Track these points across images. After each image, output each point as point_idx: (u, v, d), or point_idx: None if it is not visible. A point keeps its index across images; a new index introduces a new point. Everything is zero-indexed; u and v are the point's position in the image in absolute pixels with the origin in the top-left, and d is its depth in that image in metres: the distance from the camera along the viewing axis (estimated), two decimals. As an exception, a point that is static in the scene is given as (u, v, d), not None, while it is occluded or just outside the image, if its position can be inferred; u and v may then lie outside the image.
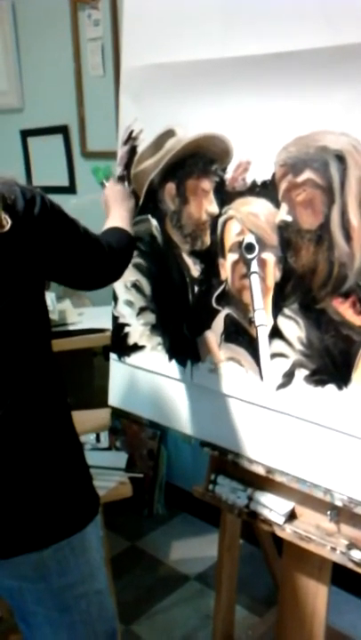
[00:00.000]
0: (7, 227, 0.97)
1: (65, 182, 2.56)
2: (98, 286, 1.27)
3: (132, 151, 1.48)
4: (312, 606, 1.36)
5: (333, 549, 1.22)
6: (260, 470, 1.32)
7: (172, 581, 2.12)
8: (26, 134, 2.67)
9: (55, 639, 1.13)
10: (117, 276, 1.31)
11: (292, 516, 1.31)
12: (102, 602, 1.17)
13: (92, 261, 1.19)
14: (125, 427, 2.51)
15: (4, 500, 1.03)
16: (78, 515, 1.10)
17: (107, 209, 1.43)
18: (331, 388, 1.17)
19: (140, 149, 1.47)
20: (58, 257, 1.10)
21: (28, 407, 1.04)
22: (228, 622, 1.63)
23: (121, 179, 1.52)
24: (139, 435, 2.48)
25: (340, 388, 1.16)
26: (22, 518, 1.04)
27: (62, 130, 2.50)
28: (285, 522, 1.30)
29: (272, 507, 1.32)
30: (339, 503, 1.19)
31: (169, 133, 1.38)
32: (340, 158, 1.09)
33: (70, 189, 2.55)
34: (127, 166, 1.50)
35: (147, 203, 1.46)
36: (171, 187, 1.40)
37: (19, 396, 1.02)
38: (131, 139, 1.48)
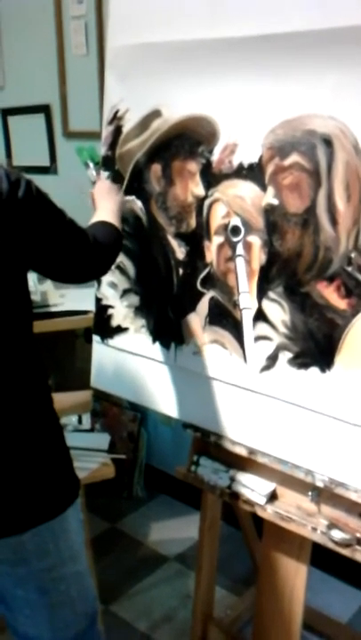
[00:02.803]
0: None
1: (46, 162, 2.53)
2: (81, 279, 1.23)
3: (118, 131, 1.47)
4: (291, 586, 1.39)
5: (314, 529, 1.24)
6: (243, 452, 1.33)
7: (152, 562, 2.14)
8: (6, 113, 2.63)
9: (35, 621, 1.14)
10: (102, 270, 1.29)
11: (273, 497, 1.33)
12: (82, 583, 1.18)
13: (76, 252, 1.15)
14: (105, 409, 2.51)
15: None
16: (58, 498, 1.10)
17: (94, 203, 1.41)
18: (314, 370, 1.18)
19: (125, 129, 1.45)
20: (40, 244, 1.07)
21: (6, 389, 1.03)
22: (208, 602, 1.65)
23: (106, 159, 1.51)
24: (119, 417, 2.48)
25: (323, 370, 1.17)
26: (1, 502, 1.04)
27: (44, 109, 2.47)
28: (267, 502, 1.32)
29: (254, 487, 1.34)
30: (320, 484, 1.21)
31: (155, 114, 1.37)
32: (328, 142, 1.10)
33: (51, 169, 2.52)
34: (112, 146, 1.49)
35: (132, 183, 1.45)
36: (156, 168, 1.39)
37: None
38: (116, 118, 1.47)
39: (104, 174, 1.51)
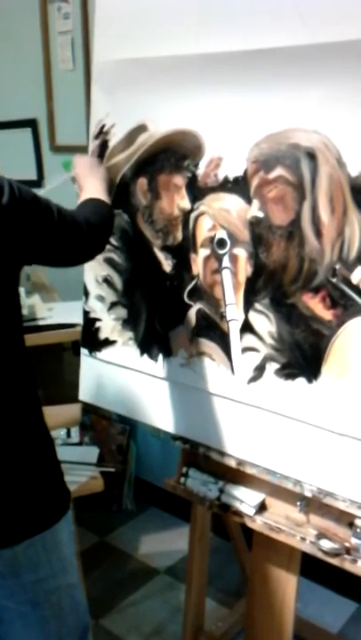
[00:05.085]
0: None
1: (33, 176, 2.54)
2: (82, 261, 1.29)
3: (104, 145, 1.48)
4: (281, 596, 1.39)
5: (303, 539, 1.24)
6: (232, 463, 1.34)
7: (142, 575, 2.13)
8: (-7, 127, 2.64)
9: (27, 634, 1.13)
10: (101, 247, 1.29)
11: (262, 508, 1.33)
12: (74, 596, 1.17)
13: (71, 242, 1.17)
14: (94, 422, 2.51)
15: None
16: (50, 510, 1.10)
17: (79, 183, 1.40)
18: (301, 381, 1.19)
19: (111, 144, 1.46)
20: (34, 244, 1.08)
21: None
22: (199, 614, 1.65)
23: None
24: (107, 430, 2.48)
25: (309, 381, 1.18)
26: None
27: (31, 123, 2.48)
28: (256, 513, 1.32)
29: (243, 499, 1.34)
30: (308, 494, 1.21)
31: (141, 128, 1.39)
32: (311, 156, 1.11)
33: (38, 184, 2.53)
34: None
35: (118, 197, 1.46)
36: (142, 182, 1.40)
37: None
38: (102, 133, 1.48)
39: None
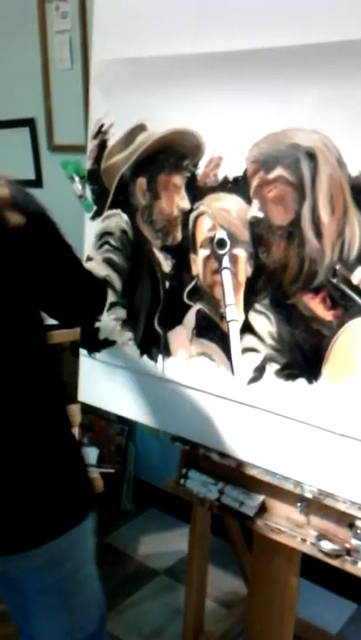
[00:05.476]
0: (22, 222, 0.97)
1: (31, 176, 2.53)
2: (86, 318, 1.35)
3: (103, 145, 1.48)
4: (282, 597, 1.38)
5: (303, 540, 1.24)
6: (232, 464, 1.33)
7: (141, 576, 2.13)
8: (-9, 127, 2.63)
9: (54, 625, 1.15)
10: (102, 308, 1.33)
11: (262, 509, 1.33)
12: (95, 585, 1.21)
13: (85, 287, 1.21)
14: (93, 423, 2.50)
15: (18, 496, 1.03)
16: (85, 501, 1.12)
17: None
18: (301, 382, 1.19)
19: (110, 143, 1.46)
20: (52, 279, 1.10)
21: (28, 404, 1.05)
22: (199, 615, 1.64)
23: (91, 173, 1.51)
24: (106, 431, 2.47)
25: (310, 382, 1.18)
26: (38, 510, 1.05)
27: (29, 123, 2.47)
28: (256, 514, 1.32)
29: (243, 500, 1.34)
30: (309, 495, 1.21)
31: (140, 128, 1.38)
32: (311, 156, 1.11)
33: (37, 183, 2.52)
34: (97, 160, 1.50)
35: (117, 197, 1.46)
36: (142, 181, 1.39)
37: (20, 395, 1.04)
38: (101, 132, 1.47)
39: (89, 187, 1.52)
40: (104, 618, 1.24)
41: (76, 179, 1.55)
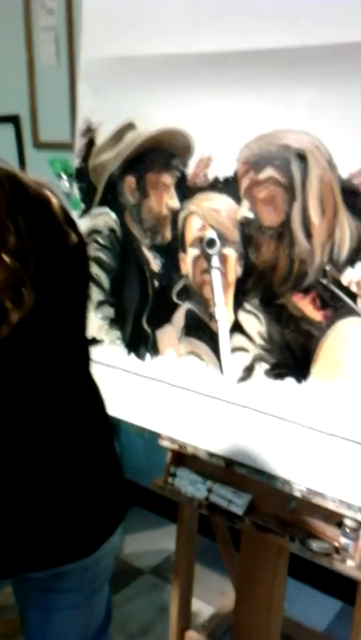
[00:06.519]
0: (75, 240, 0.89)
1: (16, 173, 2.50)
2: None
3: (91, 143, 1.47)
4: (269, 596, 1.39)
5: (292, 539, 1.25)
6: (220, 463, 1.33)
7: (127, 575, 2.12)
8: (-25, 123, 2.60)
9: (74, 623, 1.11)
10: None
11: (251, 508, 1.33)
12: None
13: None
14: (78, 421, 2.48)
15: (76, 508, 1.00)
16: (122, 507, 1.09)
17: None
18: (290, 381, 1.20)
19: (98, 142, 1.45)
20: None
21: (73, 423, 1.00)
22: (185, 614, 1.64)
23: (79, 171, 1.50)
24: (91, 429, 2.46)
25: (299, 381, 1.19)
26: (86, 520, 1.02)
27: (13, 119, 2.45)
28: (245, 513, 1.32)
29: (232, 498, 1.34)
30: (298, 494, 1.22)
31: (129, 127, 1.38)
32: (302, 157, 1.12)
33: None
34: (85, 158, 1.49)
35: (106, 195, 1.45)
36: (131, 180, 1.39)
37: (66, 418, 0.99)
38: (89, 130, 1.47)
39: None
40: (110, 616, 1.21)
41: (64, 176, 1.54)
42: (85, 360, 1.05)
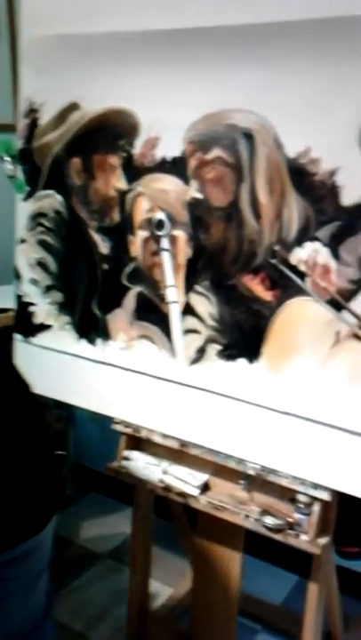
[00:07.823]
0: None
1: None
2: None
3: (34, 124, 1.43)
4: (226, 574, 1.41)
5: (247, 517, 1.26)
6: (174, 444, 1.34)
7: (85, 560, 2.12)
8: None
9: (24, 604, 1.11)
10: None
11: (206, 488, 1.34)
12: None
13: None
14: (30, 409, 2.45)
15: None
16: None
17: None
18: (242, 361, 1.20)
19: (41, 122, 1.42)
20: None
21: None
22: (144, 596, 1.65)
23: (22, 152, 1.46)
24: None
25: (250, 361, 1.19)
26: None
27: None
28: (200, 493, 1.33)
29: (186, 479, 1.34)
30: (251, 472, 1.23)
31: (73, 106, 1.35)
32: (249, 136, 1.11)
33: None
34: (28, 139, 1.45)
35: (51, 177, 1.42)
36: (76, 161, 1.36)
37: None
38: (32, 111, 1.43)
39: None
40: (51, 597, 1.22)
41: (7, 158, 1.50)
42: None
